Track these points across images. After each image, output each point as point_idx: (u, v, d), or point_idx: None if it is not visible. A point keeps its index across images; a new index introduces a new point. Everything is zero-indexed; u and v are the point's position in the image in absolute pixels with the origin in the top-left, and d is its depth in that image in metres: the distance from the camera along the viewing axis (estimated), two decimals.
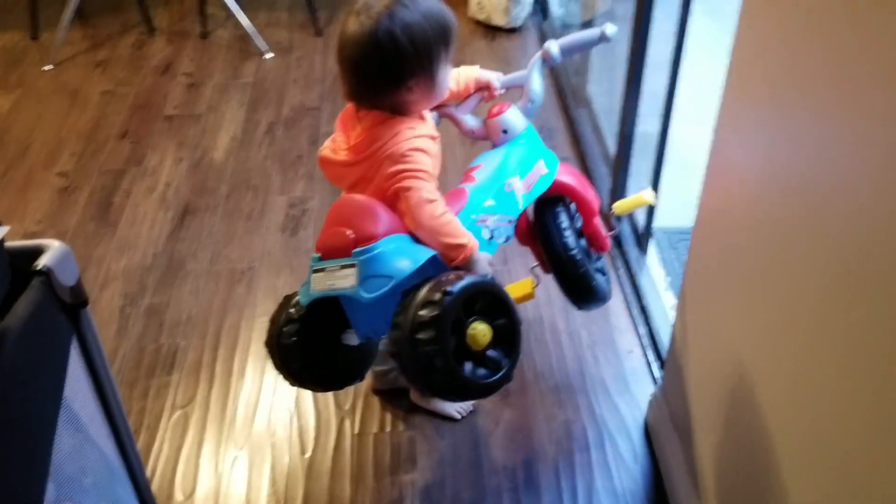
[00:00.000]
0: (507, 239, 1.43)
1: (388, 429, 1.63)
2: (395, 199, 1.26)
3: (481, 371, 1.21)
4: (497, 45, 2.99)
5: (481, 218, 1.37)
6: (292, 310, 1.32)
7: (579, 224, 1.52)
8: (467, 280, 1.20)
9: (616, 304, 1.87)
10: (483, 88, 1.49)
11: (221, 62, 2.93)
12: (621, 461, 1.56)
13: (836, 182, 0.85)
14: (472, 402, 1.67)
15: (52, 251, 0.99)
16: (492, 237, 1.39)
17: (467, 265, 1.28)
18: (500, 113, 1.44)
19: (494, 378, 1.23)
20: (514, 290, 1.54)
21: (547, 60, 1.43)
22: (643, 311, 1.83)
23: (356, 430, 1.63)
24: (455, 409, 1.65)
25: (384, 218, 1.24)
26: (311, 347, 1.33)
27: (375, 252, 1.21)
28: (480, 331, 1.21)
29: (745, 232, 1.12)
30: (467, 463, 1.56)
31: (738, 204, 1.15)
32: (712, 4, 2.51)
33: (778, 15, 0.97)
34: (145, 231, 2.14)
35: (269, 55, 2.95)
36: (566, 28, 2.97)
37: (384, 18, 1.20)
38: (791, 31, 0.93)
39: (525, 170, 1.42)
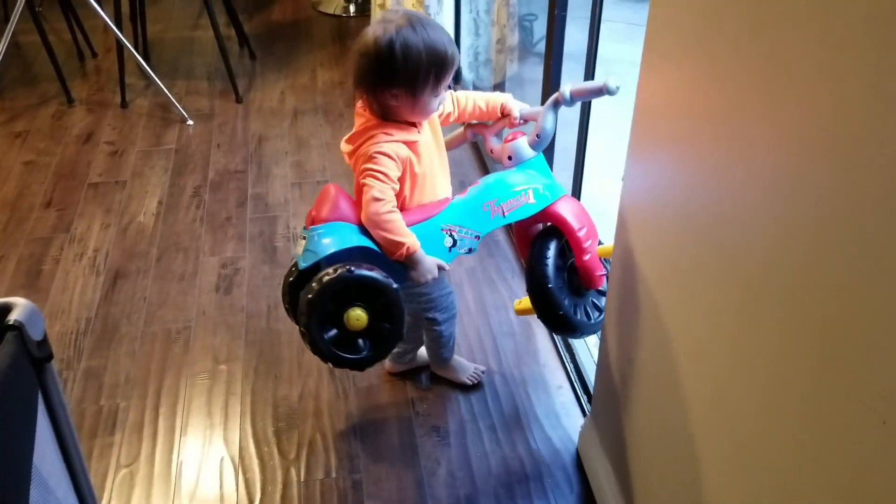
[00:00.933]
0: (470, 251, 1.59)
1: (333, 474, 1.68)
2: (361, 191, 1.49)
3: (342, 346, 1.48)
4: None
5: (449, 228, 1.55)
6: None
7: (573, 258, 1.62)
8: (373, 274, 1.44)
9: (545, 344, 1.99)
10: (505, 115, 1.64)
11: (143, 130, 2.97)
12: (558, 490, 1.65)
13: (735, 216, 0.94)
14: (482, 369, 1.89)
15: (21, 307, 1.04)
16: (454, 246, 1.56)
17: (410, 263, 1.50)
18: (510, 141, 1.61)
19: (348, 356, 1.49)
20: (524, 300, 1.75)
21: (560, 102, 1.55)
22: (569, 349, 1.95)
23: (302, 478, 1.67)
24: (467, 377, 1.86)
25: (340, 207, 1.48)
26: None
27: (315, 232, 1.47)
28: (355, 315, 1.45)
29: (658, 268, 1.23)
30: (413, 502, 1.63)
31: (649, 245, 1.27)
32: (611, 67, 2.71)
33: (674, 73, 1.10)
34: (77, 296, 2.15)
35: (190, 122, 3.01)
36: (476, 90, 3.14)
37: (392, 32, 1.40)
38: (685, 87, 1.06)
39: (508, 196, 1.57)
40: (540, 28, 3.39)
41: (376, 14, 3.27)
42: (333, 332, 1.46)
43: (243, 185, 2.64)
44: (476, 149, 2.82)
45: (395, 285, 1.46)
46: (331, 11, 3.94)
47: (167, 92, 3.04)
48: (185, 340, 2.01)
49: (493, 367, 1.93)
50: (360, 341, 1.49)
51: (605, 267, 1.63)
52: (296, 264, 1.54)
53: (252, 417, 1.80)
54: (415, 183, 1.52)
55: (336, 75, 3.35)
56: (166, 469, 1.68)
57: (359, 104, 1.52)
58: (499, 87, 2.86)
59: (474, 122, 1.69)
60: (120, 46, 3.01)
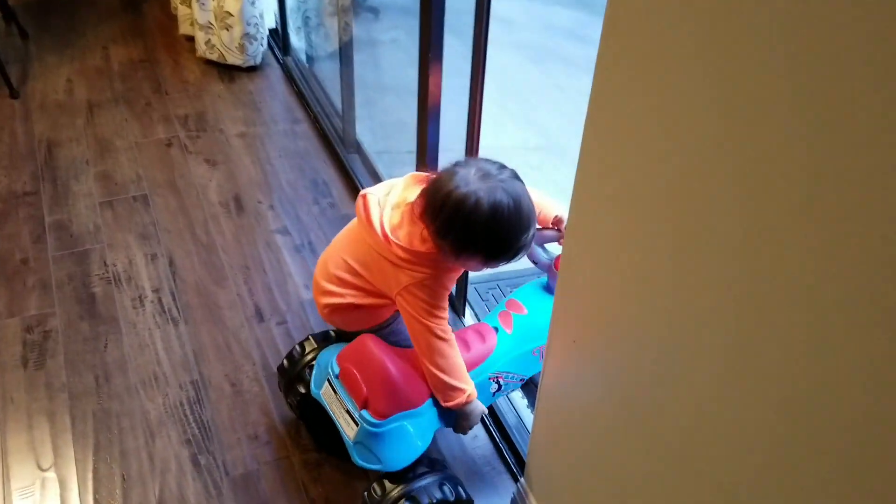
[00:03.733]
0: (513, 390, 1.47)
1: None
2: (396, 304, 1.33)
3: None
4: (238, 86, 2.66)
5: (497, 375, 1.41)
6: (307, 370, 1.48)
7: None
8: (446, 502, 1.31)
9: None
10: (557, 228, 1.44)
11: None
12: None
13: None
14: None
15: None
16: (498, 391, 1.43)
17: (460, 412, 1.34)
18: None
19: None
20: None
21: None
22: None
23: None
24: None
25: (399, 396, 1.29)
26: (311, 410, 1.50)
27: (377, 431, 1.29)
28: None
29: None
30: None
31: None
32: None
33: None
34: None
35: None
36: (311, 61, 2.72)
37: (472, 190, 1.21)
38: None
39: None
40: None
41: None
42: None
43: (37, 211, 2.11)
44: (323, 138, 2.42)
45: (468, 493, 1.37)
46: None
47: None
48: None
49: None
50: None
51: None
52: (307, 383, 1.47)
53: None
54: None
55: (134, 52, 2.79)
56: None
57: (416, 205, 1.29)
58: (343, 51, 2.44)
59: None
60: None
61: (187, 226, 2.09)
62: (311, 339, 1.52)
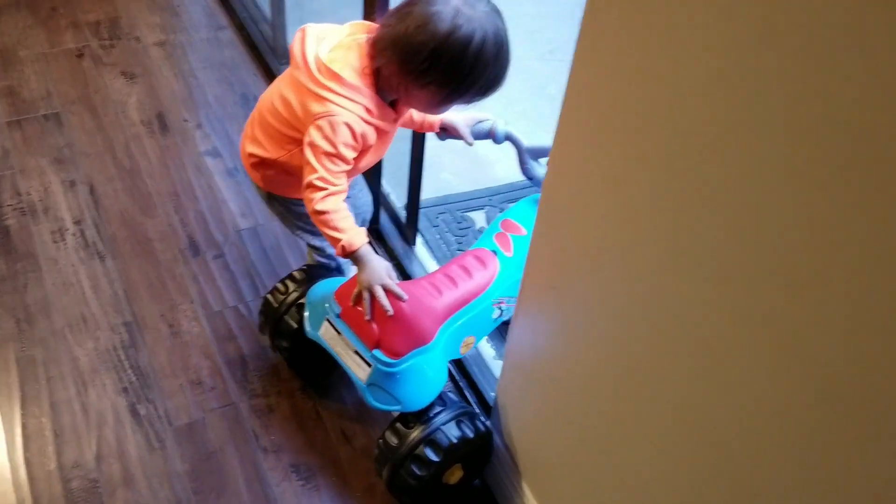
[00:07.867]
0: (511, 315, 1.36)
1: None
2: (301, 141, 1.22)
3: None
4: None
5: (499, 301, 1.33)
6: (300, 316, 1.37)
7: None
8: (483, 435, 1.27)
9: None
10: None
11: None
12: None
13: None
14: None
15: None
16: (499, 316, 1.36)
17: (354, 262, 1.21)
18: None
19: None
20: None
21: None
22: None
23: None
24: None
25: (412, 333, 1.20)
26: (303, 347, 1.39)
27: (393, 371, 1.20)
28: (456, 475, 1.28)
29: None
30: None
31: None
32: None
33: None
34: None
35: None
36: None
37: (476, 25, 1.12)
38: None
39: None
40: None
41: None
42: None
43: None
44: (251, 47, 2.22)
45: (486, 424, 1.29)
46: None
47: None
48: None
49: None
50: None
51: None
52: (296, 322, 1.36)
53: None
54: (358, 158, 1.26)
55: None
56: None
57: (367, 38, 1.21)
58: None
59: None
60: None
61: (107, 148, 1.91)
62: (296, 273, 1.41)
